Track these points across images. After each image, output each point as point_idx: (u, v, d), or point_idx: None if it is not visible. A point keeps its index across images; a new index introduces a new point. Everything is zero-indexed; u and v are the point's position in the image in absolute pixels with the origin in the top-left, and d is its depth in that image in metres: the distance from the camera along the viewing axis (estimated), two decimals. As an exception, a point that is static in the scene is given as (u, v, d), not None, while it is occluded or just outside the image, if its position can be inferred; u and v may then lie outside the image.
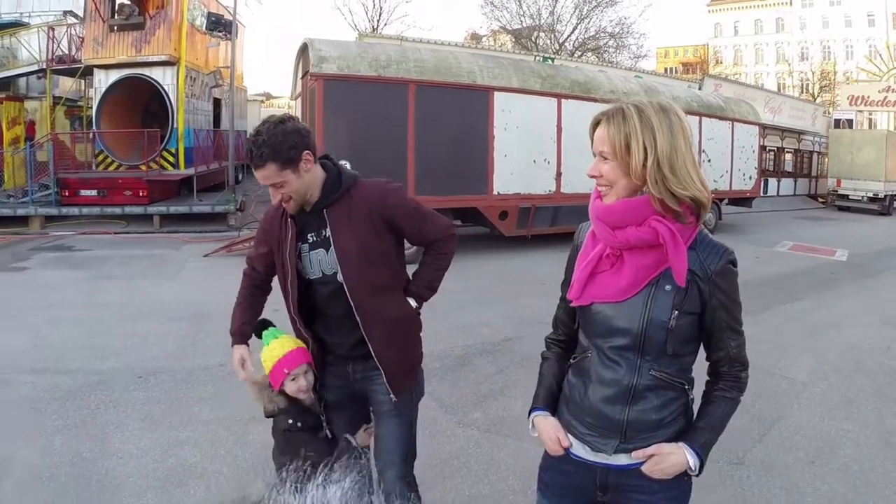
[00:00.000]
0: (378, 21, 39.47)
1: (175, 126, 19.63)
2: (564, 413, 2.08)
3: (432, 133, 11.91)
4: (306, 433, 2.70)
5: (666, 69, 65.88)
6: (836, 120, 33.39)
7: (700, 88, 23.15)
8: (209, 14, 19.82)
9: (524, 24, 41.89)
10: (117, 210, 16.88)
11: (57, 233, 15.54)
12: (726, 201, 18.78)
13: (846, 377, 6.43)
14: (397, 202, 2.71)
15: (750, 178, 18.86)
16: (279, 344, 2.69)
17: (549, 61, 20.97)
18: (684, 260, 1.82)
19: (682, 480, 1.94)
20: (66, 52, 20.69)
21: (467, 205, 12.68)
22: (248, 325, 2.83)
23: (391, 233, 2.70)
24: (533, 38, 40.73)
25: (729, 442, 4.80)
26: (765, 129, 25.50)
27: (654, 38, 79.87)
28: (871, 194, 26.49)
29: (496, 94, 12.78)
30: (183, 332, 7.45)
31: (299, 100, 13.87)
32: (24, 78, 22.37)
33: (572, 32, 41.14)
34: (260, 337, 2.83)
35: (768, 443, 4.87)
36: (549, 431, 2.07)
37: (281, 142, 2.44)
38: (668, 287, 1.86)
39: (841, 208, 27.36)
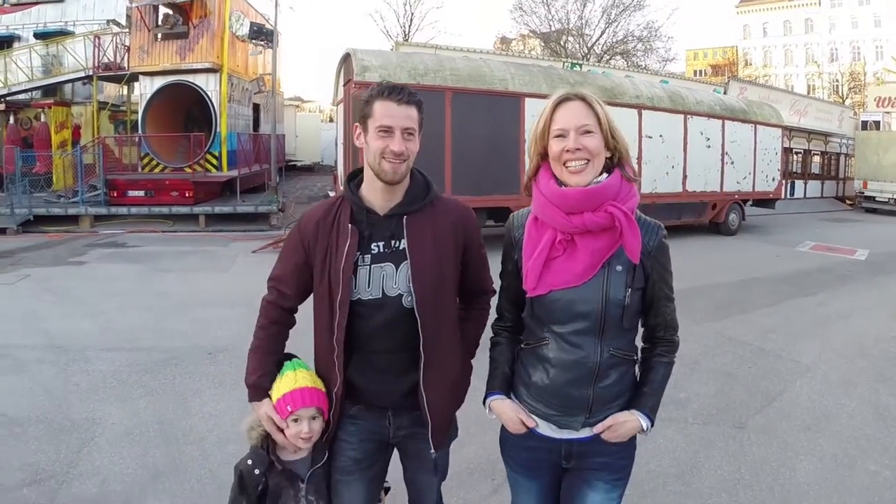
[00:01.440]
0: (409, 27, 39.99)
1: (218, 130, 20.45)
2: (525, 397, 2.20)
3: (467, 137, 12.56)
4: (245, 495, 2.28)
5: (695, 71, 65.76)
6: (863, 121, 33.31)
7: (725, 92, 23.40)
8: (251, 24, 20.65)
9: (553, 29, 42.10)
10: (164, 210, 17.73)
11: (106, 231, 16.44)
12: (750, 202, 19.06)
13: (848, 361, 6.92)
14: (477, 228, 2.45)
15: (773, 179, 19.15)
16: (292, 378, 2.29)
17: (578, 67, 21.56)
18: (639, 240, 2.00)
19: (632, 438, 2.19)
20: (112, 59, 21.64)
21: (500, 204, 13.21)
22: (268, 378, 2.31)
23: (461, 261, 2.38)
24: (562, 43, 41.00)
25: (733, 410, 5.44)
26: (791, 131, 25.70)
27: (683, 40, 79.67)
28: (897, 196, 26.35)
29: (527, 100, 13.36)
30: (243, 316, 8.04)
31: (341, 105, 14.62)
32: (70, 84, 23.38)
33: (601, 36, 41.24)
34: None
35: (769, 412, 5.44)
36: (509, 413, 2.19)
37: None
38: (619, 267, 2.02)
39: (868, 210, 27.19)
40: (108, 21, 24.08)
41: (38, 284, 10.24)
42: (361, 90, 11.76)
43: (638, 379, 2.20)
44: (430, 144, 12.70)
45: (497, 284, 2.45)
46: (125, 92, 24.07)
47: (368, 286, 2.21)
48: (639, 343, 2.23)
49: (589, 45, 40.97)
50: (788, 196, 27.82)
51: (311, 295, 2.38)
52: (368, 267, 2.22)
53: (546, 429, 2.16)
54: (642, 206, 2.13)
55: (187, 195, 18.07)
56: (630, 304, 2.04)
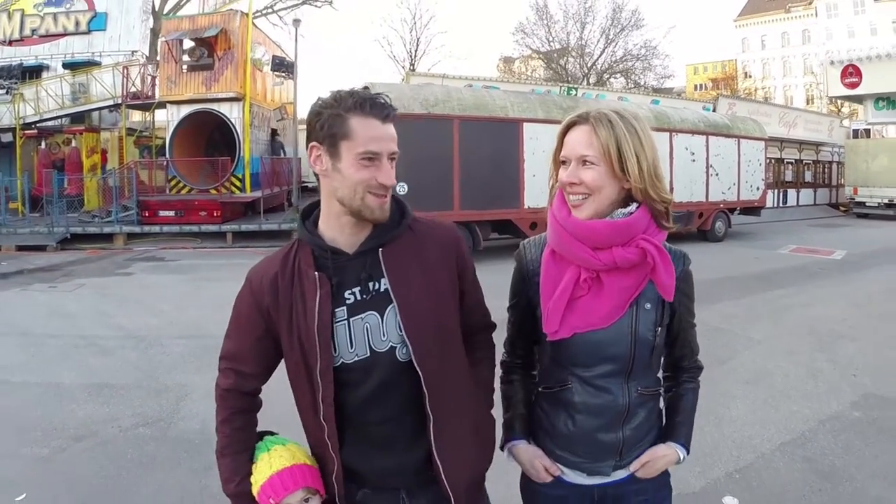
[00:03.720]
0: (416, 52, 41.52)
1: (242, 154, 21.85)
2: (548, 444, 1.99)
3: (473, 158, 13.95)
4: None
5: (696, 86, 66.65)
6: (854, 130, 34.03)
7: (714, 109, 24.54)
8: (273, 57, 22.18)
9: (553, 49, 43.37)
10: (193, 228, 19.14)
11: (140, 247, 17.73)
12: (738, 211, 20.18)
13: (797, 337, 8.02)
14: (467, 249, 2.01)
15: (757, 189, 20.36)
16: (267, 462, 1.86)
17: (573, 92, 22.91)
18: (672, 277, 1.81)
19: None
20: (139, 88, 23.24)
21: (503, 217, 14.75)
22: (249, 480, 1.86)
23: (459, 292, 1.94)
24: (563, 63, 42.29)
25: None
26: (782, 142, 26.77)
27: (684, 55, 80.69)
28: (886, 200, 27.08)
29: (525, 124, 14.91)
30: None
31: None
32: (98, 111, 24.90)
33: (600, 56, 42.58)
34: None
35: (716, 372, 6.49)
36: (532, 462, 1.99)
37: None
38: (647, 305, 1.83)
39: (859, 215, 27.77)
40: (132, 52, 25.58)
41: (95, 291, 11.54)
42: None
43: (665, 408, 2.06)
44: (440, 166, 14.55)
45: (497, 314, 2.16)
46: (149, 118, 25.64)
47: (351, 346, 1.77)
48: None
49: (589, 64, 42.22)
50: (781, 204, 28.84)
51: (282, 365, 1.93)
52: (346, 322, 1.77)
53: (574, 476, 1.97)
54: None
55: (215, 214, 19.47)
56: (659, 343, 1.90)
